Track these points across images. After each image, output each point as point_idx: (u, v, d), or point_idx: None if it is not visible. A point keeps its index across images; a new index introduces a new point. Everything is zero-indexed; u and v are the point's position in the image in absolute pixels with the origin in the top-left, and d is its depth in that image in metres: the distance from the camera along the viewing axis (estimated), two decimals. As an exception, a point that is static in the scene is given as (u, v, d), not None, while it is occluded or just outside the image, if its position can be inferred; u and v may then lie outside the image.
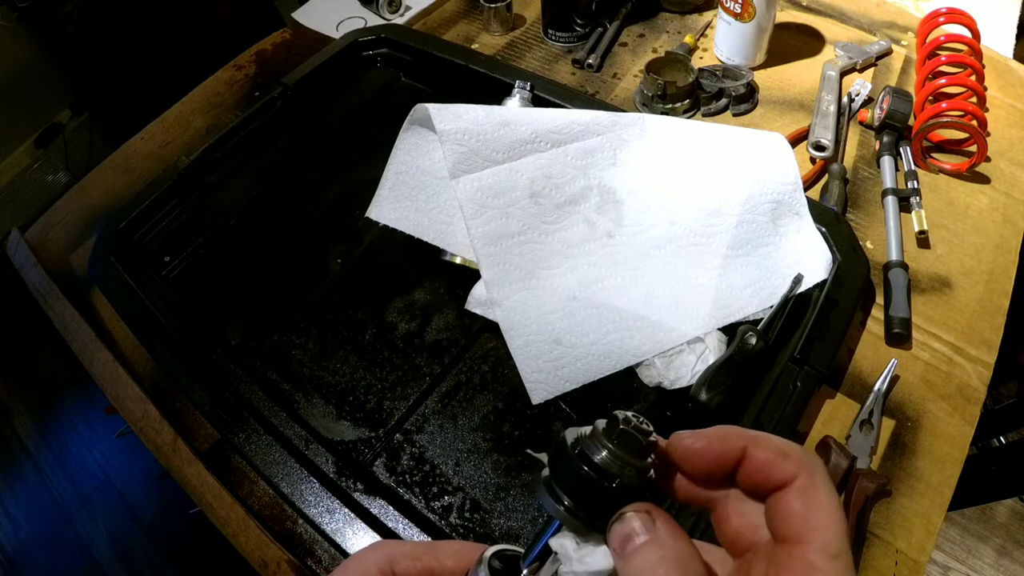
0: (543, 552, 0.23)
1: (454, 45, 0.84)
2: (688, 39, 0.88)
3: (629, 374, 0.57)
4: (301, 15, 0.99)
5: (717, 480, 0.24)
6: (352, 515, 0.50)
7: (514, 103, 0.73)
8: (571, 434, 0.23)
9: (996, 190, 0.72)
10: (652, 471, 0.23)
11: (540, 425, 0.56)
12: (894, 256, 0.65)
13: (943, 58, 0.75)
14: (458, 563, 0.25)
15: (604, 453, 0.22)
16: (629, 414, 0.22)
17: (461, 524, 0.51)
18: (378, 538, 0.49)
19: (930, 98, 0.74)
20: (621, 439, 0.22)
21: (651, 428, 0.23)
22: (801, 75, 0.84)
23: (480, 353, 0.60)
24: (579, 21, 0.88)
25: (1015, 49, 0.89)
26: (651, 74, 0.78)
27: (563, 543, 0.22)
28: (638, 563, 0.21)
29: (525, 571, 0.23)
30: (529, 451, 0.26)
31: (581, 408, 0.56)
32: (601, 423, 0.23)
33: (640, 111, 0.80)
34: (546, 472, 0.23)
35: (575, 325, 0.58)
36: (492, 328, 0.60)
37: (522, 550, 0.24)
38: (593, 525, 0.22)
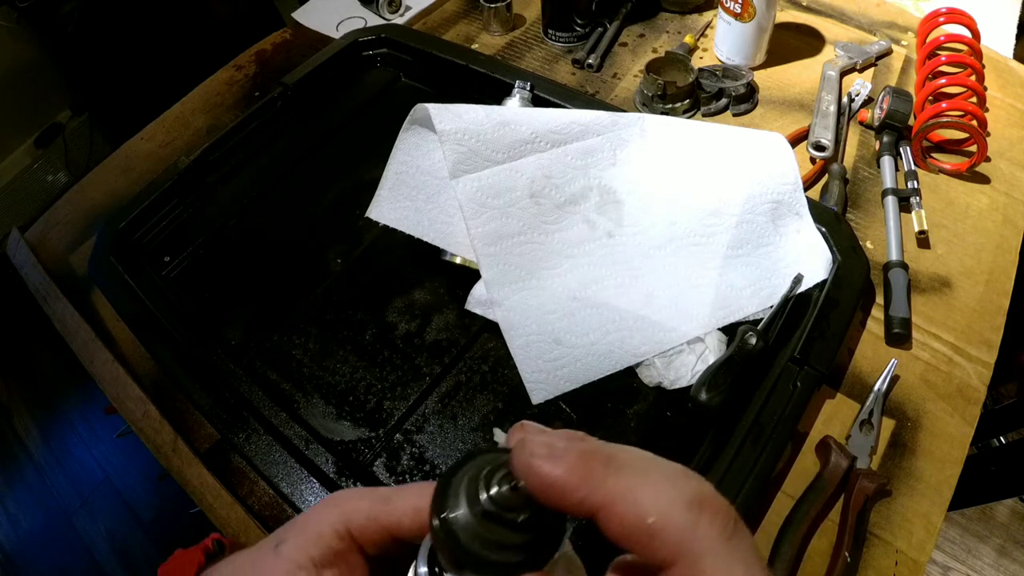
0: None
1: (454, 45, 0.84)
2: (688, 39, 0.88)
3: (629, 374, 0.57)
4: (301, 15, 0.99)
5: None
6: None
7: (514, 103, 0.73)
8: (460, 472, 0.20)
9: (996, 190, 0.72)
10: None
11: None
12: (894, 256, 0.65)
13: (943, 58, 0.75)
14: (414, 520, 0.23)
15: (461, 512, 0.19)
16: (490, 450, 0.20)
17: (461, 524, 0.51)
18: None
19: (930, 98, 0.74)
20: (497, 502, 0.19)
21: (516, 483, 0.19)
22: (801, 75, 0.84)
23: (480, 353, 0.60)
24: (579, 21, 0.88)
25: (1015, 49, 0.89)
26: (651, 74, 0.78)
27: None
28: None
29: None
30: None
31: (581, 408, 0.56)
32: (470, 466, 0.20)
33: (640, 111, 0.80)
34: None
35: (575, 325, 0.58)
36: (492, 328, 0.60)
37: None
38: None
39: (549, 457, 0.18)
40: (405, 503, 0.23)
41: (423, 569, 0.22)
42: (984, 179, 0.73)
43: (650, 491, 0.18)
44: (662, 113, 0.79)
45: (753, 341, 0.53)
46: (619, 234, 0.62)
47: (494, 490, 0.19)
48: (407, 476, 0.54)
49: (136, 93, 1.67)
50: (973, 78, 0.73)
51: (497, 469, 0.20)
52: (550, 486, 0.18)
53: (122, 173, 0.81)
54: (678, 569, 0.17)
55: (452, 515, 0.19)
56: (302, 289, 0.65)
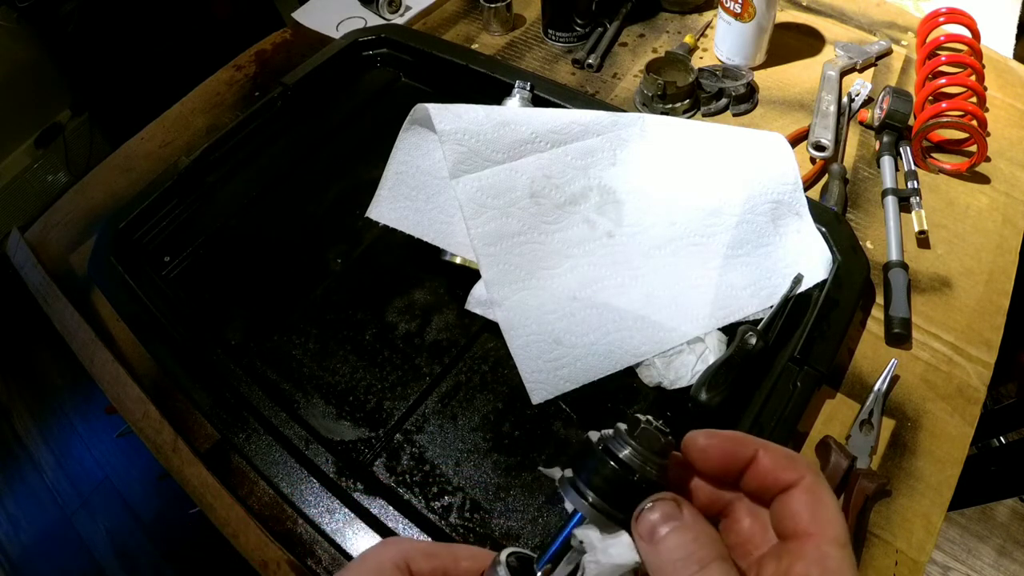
0: (559, 552, 0.24)
1: (454, 45, 0.84)
2: (688, 39, 0.88)
3: (629, 374, 0.57)
4: (301, 15, 0.99)
5: (726, 482, 0.25)
6: (352, 515, 0.50)
7: (514, 103, 0.73)
8: (594, 435, 0.24)
9: (996, 190, 0.72)
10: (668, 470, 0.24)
11: (540, 425, 0.56)
12: (894, 256, 0.65)
13: (943, 58, 0.75)
14: (472, 565, 0.25)
15: (628, 450, 0.23)
16: (649, 416, 0.24)
17: (461, 524, 0.51)
18: (379, 538, 0.49)
19: (930, 98, 0.74)
20: (643, 437, 0.23)
21: (668, 431, 0.24)
22: (801, 75, 0.84)
23: (480, 353, 0.60)
24: (579, 21, 0.88)
25: (1015, 49, 0.89)
26: (651, 74, 0.78)
27: (588, 533, 0.23)
28: (669, 547, 0.22)
29: (539, 572, 0.24)
30: (541, 468, 0.27)
31: (581, 408, 0.56)
32: (622, 425, 0.24)
33: (640, 111, 0.80)
34: (568, 473, 0.24)
35: (575, 325, 0.58)
36: (492, 328, 0.60)
37: (534, 554, 0.25)
38: (616, 519, 0.23)
39: (706, 433, 0.25)
40: (463, 549, 0.26)
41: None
42: (984, 179, 0.73)
43: (777, 448, 0.25)
44: (662, 113, 0.79)
45: (753, 341, 0.53)
46: (619, 234, 0.62)
47: (642, 436, 0.23)
48: (407, 476, 0.54)
49: (136, 93, 1.66)
50: (973, 78, 0.73)
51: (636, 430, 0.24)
52: (711, 449, 0.25)
53: (122, 173, 0.81)
54: (807, 480, 0.23)
55: (621, 453, 0.23)
56: (302, 289, 0.65)
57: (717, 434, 0.25)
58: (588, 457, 0.24)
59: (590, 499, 0.23)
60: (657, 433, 0.23)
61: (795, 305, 0.58)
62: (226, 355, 0.59)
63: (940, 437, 0.56)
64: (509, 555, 0.24)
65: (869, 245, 0.68)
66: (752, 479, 0.24)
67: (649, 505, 0.23)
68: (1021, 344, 1.03)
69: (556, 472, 0.25)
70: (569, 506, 0.24)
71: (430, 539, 0.49)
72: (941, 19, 0.80)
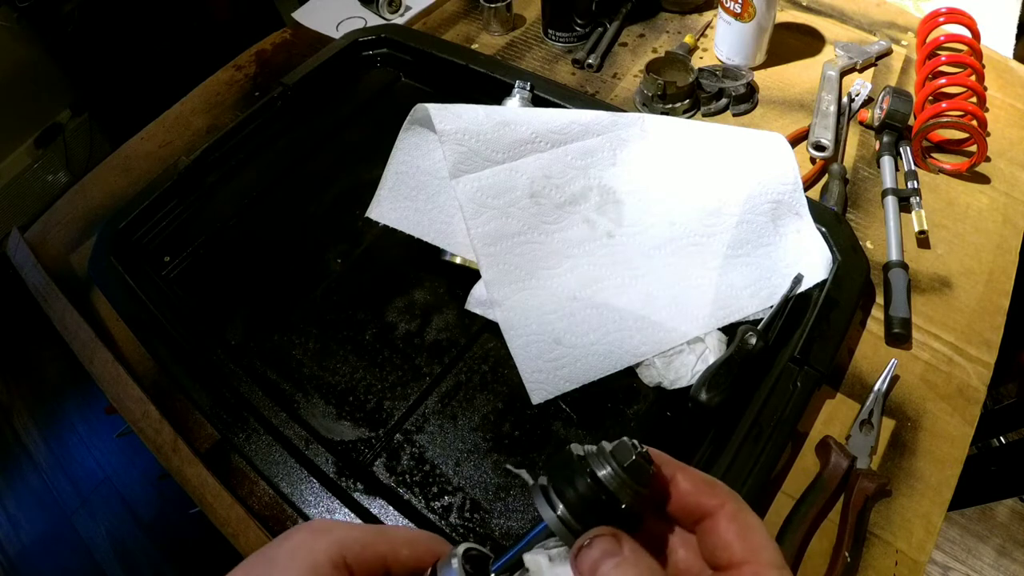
0: (515, 562, 0.23)
1: (454, 45, 0.84)
2: (688, 39, 0.88)
3: (629, 374, 0.57)
4: (301, 15, 0.99)
5: (654, 509, 0.25)
6: (352, 515, 0.50)
7: (514, 103, 0.73)
8: (577, 448, 0.24)
9: (996, 190, 0.72)
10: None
11: (540, 425, 0.56)
12: (894, 256, 0.65)
13: (943, 58, 0.75)
14: (412, 552, 0.24)
15: (607, 470, 0.22)
16: (635, 441, 0.23)
17: (461, 524, 0.51)
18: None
19: (930, 98, 0.74)
20: (622, 456, 0.23)
21: (652, 463, 0.24)
22: (801, 75, 0.84)
23: (480, 353, 0.60)
24: (579, 21, 0.88)
25: (1015, 49, 0.89)
26: (651, 74, 0.78)
27: (537, 559, 0.23)
28: None
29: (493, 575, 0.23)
30: (509, 466, 0.26)
31: (581, 408, 0.56)
32: (607, 444, 0.23)
33: (640, 111, 0.80)
34: (544, 480, 0.23)
35: (575, 325, 0.58)
36: (492, 328, 0.60)
37: (491, 554, 0.24)
38: (579, 536, 0.22)
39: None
40: (400, 533, 0.24)
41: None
42: (984, 179, 0.73)
43: (695, 471, 0.25)
44: (662, 113, 0.79)
45: (753, 341, 0.53)
46: (619, 234, 0.62)
47: (628, 461, 0.23)
48: (407, 476, 0.54)
49: (136, 93, 1.66)
50: (973, 78, 0.73)
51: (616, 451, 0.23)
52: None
53: (122, 173, 0.81)
54: (729, 506, 0.23)
55: (600, 472, 0.23)
56: (302, 289, 0.65)
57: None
58: (566, 468, 0.23)
59: (559, 512, 0.22)
60: (641, 460, 0.23)
61: (795, 305, 0.58)
62: (226, 355, 0.59)
63: (940, 437, 0.56)
64: (466, 550, 0.23)
65: (869, 245, 0.68)
66: (674, 504, 0.24)
67: (587, 541, 0.22)
68: (1021, 344, 1.03)
69: (524, 472, 0.24)
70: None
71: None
72: (941, 19, 0.80)
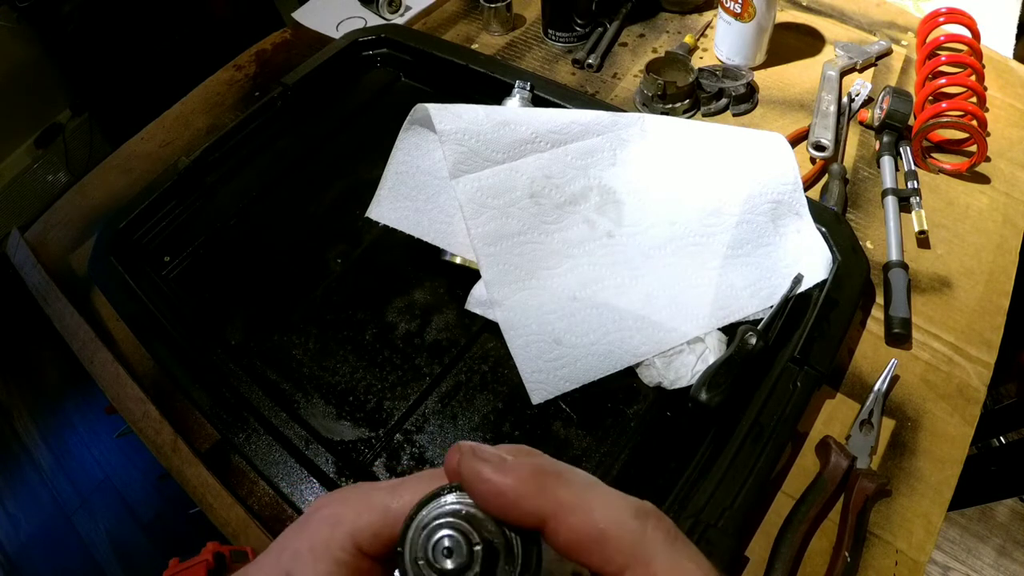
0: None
1: (454, 45, 0.84)
2: (688, 39, 0.88)
3: (629, 374, 0.57)
4: (301, 15, 0.99)
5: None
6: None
7: (514, 103, 0.73)
8: (428, 511, 0.19)
9: (996, 190, 0.72)
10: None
11: (540, 425, 0.56)
12: (894, 256, 0.65)
13: (943, 58, 0.75)
14: (401, 506, 0.21)
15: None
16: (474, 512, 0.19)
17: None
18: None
19: (930, 98, 0.74)
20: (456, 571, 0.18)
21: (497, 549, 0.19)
22: (801, 75, 0.84)
23: (480, 353, 0.60)
24: (579, 21, 0.88)
25: (1015, 49, 0.89)
26: (651, 74, 0.78)
27: None
28: None
29: None
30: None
31: (581, 408, 0.56)
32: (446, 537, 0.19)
33: (640, 111, 0.80)
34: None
35: (575, 325, 0.58)
36: (492, 328, 0.60)
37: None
38: None
39: (500, 466, 0.18)
40: (407, 507, 0.22)
41: None
42: (984, 179, 0.73)
43: (600, 502, 0.18)
44: (662, 113, 0.79)
45: (753, 341, 0.53)
46: (619, 234, 0.62)
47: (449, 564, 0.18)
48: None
49: (136, 93, 1.66)
50: (973, 78, 0.73)
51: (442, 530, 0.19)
52: (502, 494, 0.18)
53: (122, 173, 0.81)
54: (631, 572, 0.17)
55: None
56: (302, 289, 0.65)
57: (513, 468, 0.18)
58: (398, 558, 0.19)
59: None
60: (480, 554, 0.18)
61: (795, 305, 0.58)
62: (226, 355, 0.59)
63: (940, 437, 0.56)
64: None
65: (869, 245, 0.68)
66: (554, 544, 0.18)
67: None
68: (1021, 344, 1.03)
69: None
70: None
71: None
72: (941, 19, 0.80)
